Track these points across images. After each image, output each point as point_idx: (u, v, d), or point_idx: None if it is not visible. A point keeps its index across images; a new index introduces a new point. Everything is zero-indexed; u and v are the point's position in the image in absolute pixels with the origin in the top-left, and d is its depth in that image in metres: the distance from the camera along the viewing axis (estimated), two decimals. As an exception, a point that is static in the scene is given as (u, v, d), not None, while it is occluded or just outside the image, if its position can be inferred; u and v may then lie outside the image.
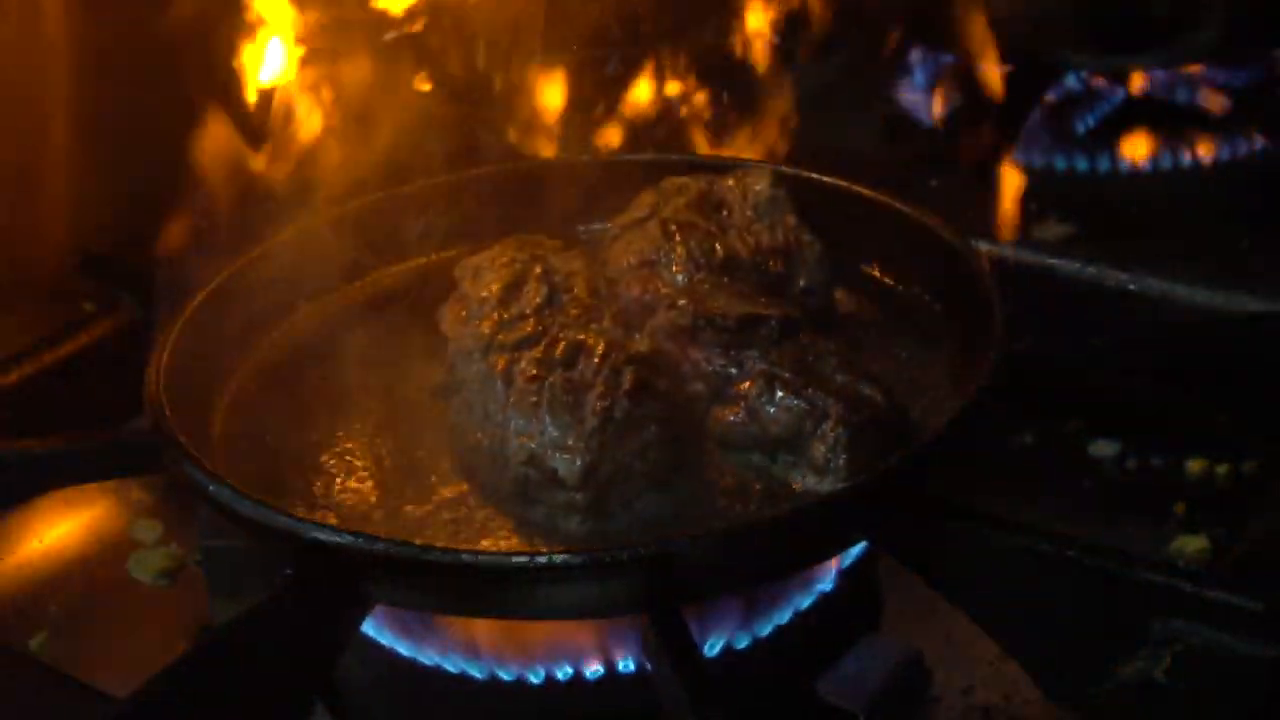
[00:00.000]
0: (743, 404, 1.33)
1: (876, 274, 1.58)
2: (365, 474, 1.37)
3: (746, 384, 1.34)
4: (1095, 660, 1.22)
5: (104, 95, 1.72)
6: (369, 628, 1.32)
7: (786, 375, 1.32)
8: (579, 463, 1.25)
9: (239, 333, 1.49)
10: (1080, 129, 2.13)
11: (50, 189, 1.76)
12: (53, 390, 1.69)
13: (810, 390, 1.31)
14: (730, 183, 1.57)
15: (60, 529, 1.67)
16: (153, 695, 1.19)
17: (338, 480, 1.36)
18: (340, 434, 1.42)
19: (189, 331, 1.44)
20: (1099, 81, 2.17)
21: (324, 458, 1.39)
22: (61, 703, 1.24)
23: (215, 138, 1.54)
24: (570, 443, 1.26)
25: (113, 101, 1.70)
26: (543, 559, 1.15)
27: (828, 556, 1.31)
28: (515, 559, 1.16)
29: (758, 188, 1.55)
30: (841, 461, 1.28)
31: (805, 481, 1.30)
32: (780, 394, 1.31)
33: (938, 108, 2.19)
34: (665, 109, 1.99)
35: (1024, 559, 1.26)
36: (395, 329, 1.53)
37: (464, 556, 1.15)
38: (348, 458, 1.39)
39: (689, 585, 1.21)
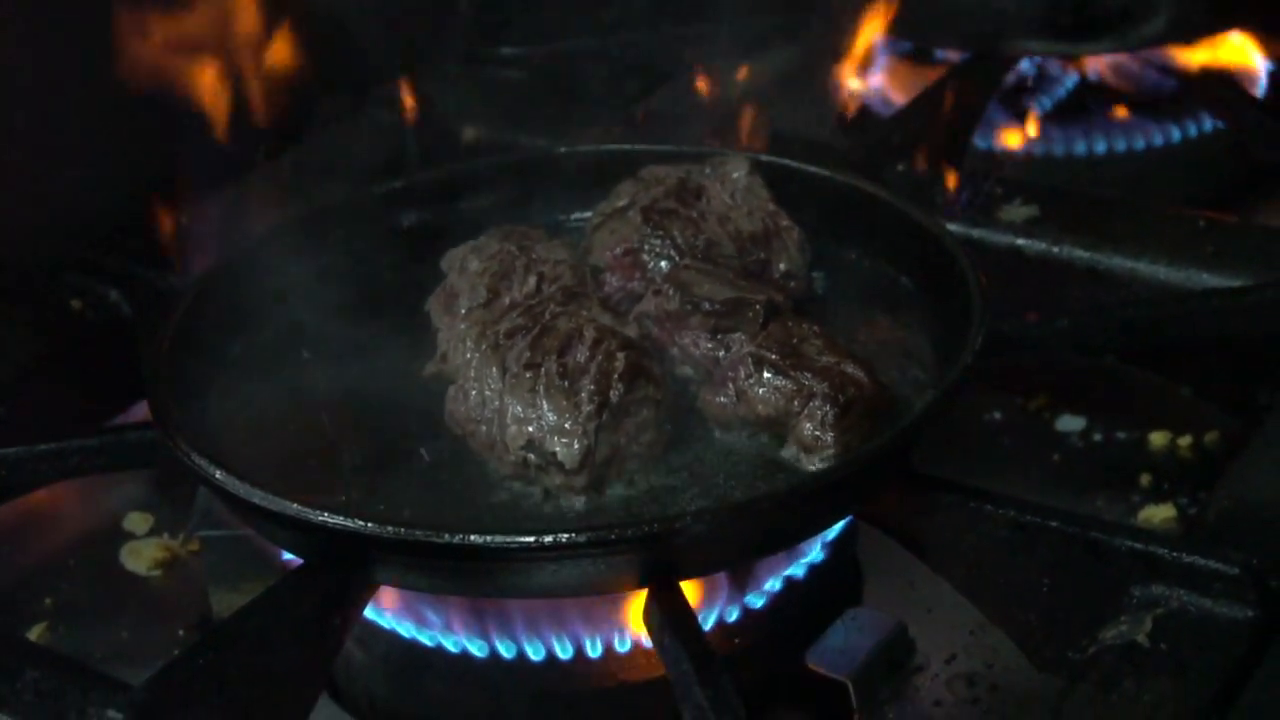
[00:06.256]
0: (731, 385, 1.37)
1: (853, 257, 1.61)
2: (362, 459, 1.39)
3: (734, 366, 1.37)
4: (1078, 626, 1.27)
5: (89, 92, 1.73)
6: (370, 611, 1.35)
7: (773, 357, 1.36)
8: (577, 446, 1.29)
9: (233, 323, 1.51)
10: (1036, 113, 2.17)
11: (36, 187, 1.77)
12: (41, 388, 1.70)
13: (796, 371, 1.34)
14: (707, 171, 1.60)
15: (52, 522, 1.69)
16: (167, 681, 1.22)
17: (335, 466, 1.38)
18: (335, 420, 1.43)
19: (186, 322, 1.46)
20: (1053, 67, 2.22)
21: (320, 444, 1.41)
22: (75, 690, 1.26)
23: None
24: (568, 427, 1.29)
25: (99, 97, 1.70)
26: (549, 538, 1.18)
27: (821, 530, 1.35)
28: (523, 539, 1.18)
29: (735, 175, 1.59)
30: (829, 439, 1.31)
31: (795, 459, 1.33)
32: (768, 375, 1.35)
33: (896, 95, 2.24)
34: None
35: (1008, 530, 1.31)
36: (386, 318, 1.55)
37: (473, 538, 1.18)
38: (344, 443, 1.41)
39: (690, 561, 1.25)
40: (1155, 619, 1.23)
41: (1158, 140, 2.14)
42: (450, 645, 1.37)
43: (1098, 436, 1.76)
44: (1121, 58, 2.21)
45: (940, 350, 1.45)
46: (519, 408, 1.32)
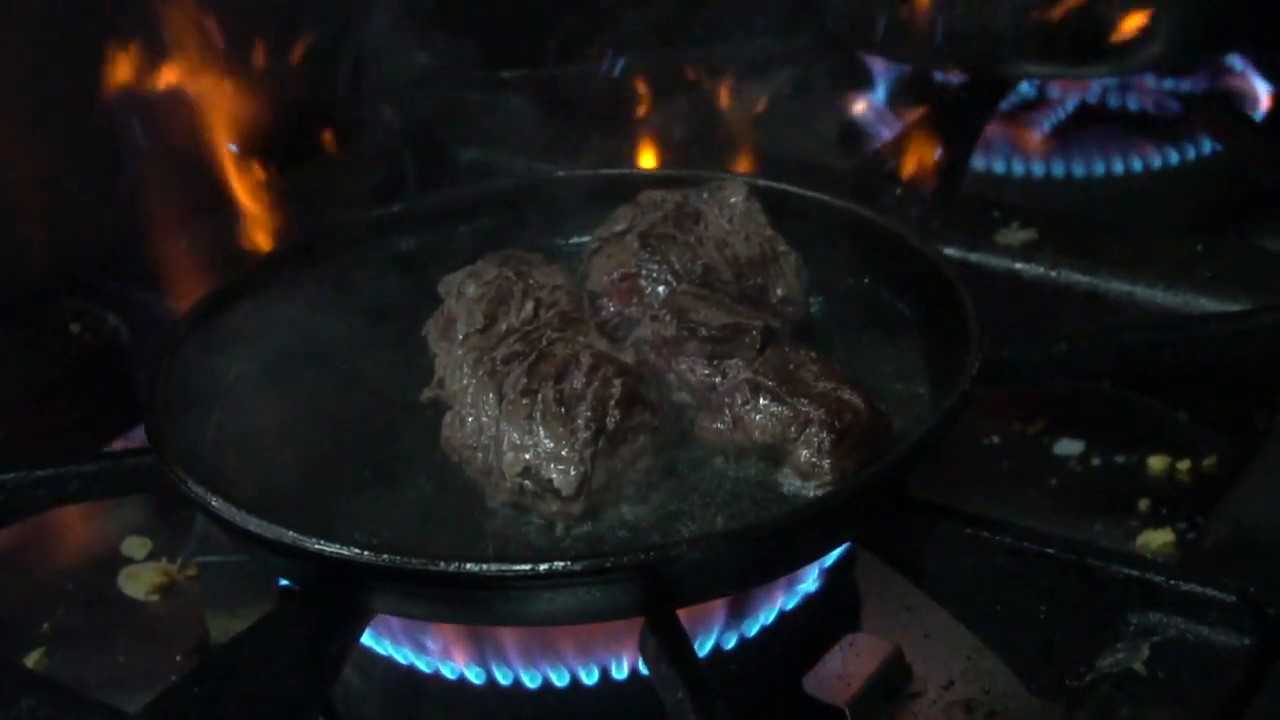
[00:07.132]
0: (728, 412, 1.36)
1: (850, 282, 1.61)
2: (359, 486, 1.39)
3: (731, 392, 1.37)
4: (1075, 653, 1.26)
5: (88, 112, 1.73)
6: (367, 637, 1.35)
7: (770, 383, 1.36)
8: (574, 473, 1.29)
9: (230, 347, 1.50)
10: (1035, 136, 2.17)
11: (33, 209, 1.77)
12: (39, 412, 1.70)
13: (793, 397, 1.34)
14: (705, 195, 1.60)
15: (50, 547, 1.69)
16: (164, 709, 1.22)
17: (331, 492, 1.38)
18: (332, 446, 1.43)
19: (183, 346, 1.46)
20: (1052, 89, 2.22)
21: (317, 470, 1.41)
22: (71, 718, 1.26)
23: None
24: (564, 454, 1.29)
25: (98, 118, 1.70)
26: (545, 566, 1.17)
27: (818, 557, 1.35)
28: (518, 567, 1.18)
29: (732, 200, 1.59)
30: (826, 465, 1.31)
31: (791, 486, 1.33)
32: (764, 401, 1.35)
33: (895, 118, 2.24)
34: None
35: (1005, 556, 1.30)
36: (384, 343, 1.55)
37: (469, 566, 1.18)
38: (341, 470, 1.41)
39: (686, 589, 1.24)
40: (1152, 647, 1.23)
41: (1156, 163, 2.14)
42: (447, 672, 1.37)
43: (1096, 461, 1.76)
44: (1121, 80, 2.21)
45: (937, 375, 1.45)
46: (516, 434, 1.32)
